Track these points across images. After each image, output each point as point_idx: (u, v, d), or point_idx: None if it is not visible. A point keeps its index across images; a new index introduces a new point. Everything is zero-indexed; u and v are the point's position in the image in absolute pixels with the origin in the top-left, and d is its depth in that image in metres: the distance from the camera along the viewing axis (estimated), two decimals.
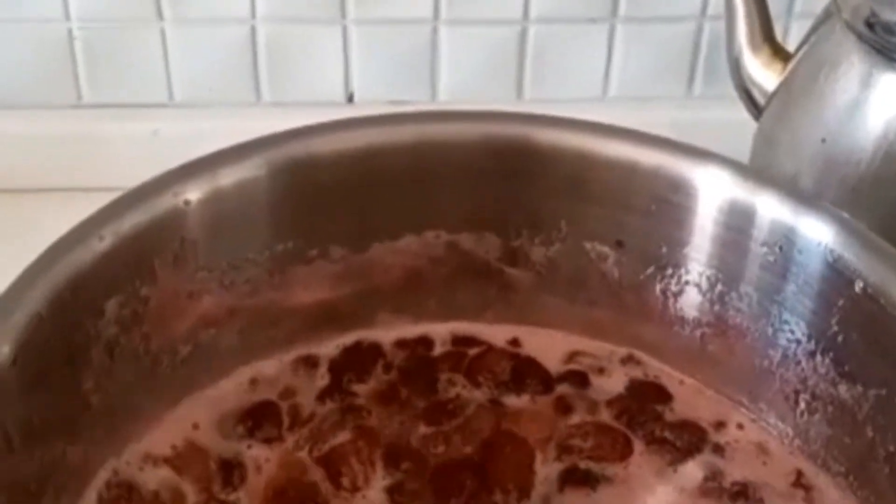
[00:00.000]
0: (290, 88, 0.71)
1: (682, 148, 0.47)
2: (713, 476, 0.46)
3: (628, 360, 0.51)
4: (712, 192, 0.47)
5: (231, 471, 0.46)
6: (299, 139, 0.47)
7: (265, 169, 0.46)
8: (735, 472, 0.47)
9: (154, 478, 0.45)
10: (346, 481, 0.46)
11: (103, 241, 0.42)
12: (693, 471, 0.47)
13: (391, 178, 0.48)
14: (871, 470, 0.44)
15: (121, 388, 0.44)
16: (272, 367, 0.50)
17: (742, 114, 0.61)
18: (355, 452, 0.47)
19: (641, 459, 0.47)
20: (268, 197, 0.47)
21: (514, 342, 0.52)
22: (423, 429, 0.48)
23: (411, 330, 0.52)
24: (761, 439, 0.48)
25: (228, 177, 0.45)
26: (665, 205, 0.47)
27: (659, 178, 0.47)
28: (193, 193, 0.45)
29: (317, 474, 0.46)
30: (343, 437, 0.48)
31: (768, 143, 0.59)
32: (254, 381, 0.50)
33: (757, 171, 0.49)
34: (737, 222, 0.46)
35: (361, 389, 0.50)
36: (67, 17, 0.67)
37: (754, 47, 0.60)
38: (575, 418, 0.49)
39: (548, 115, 0.49)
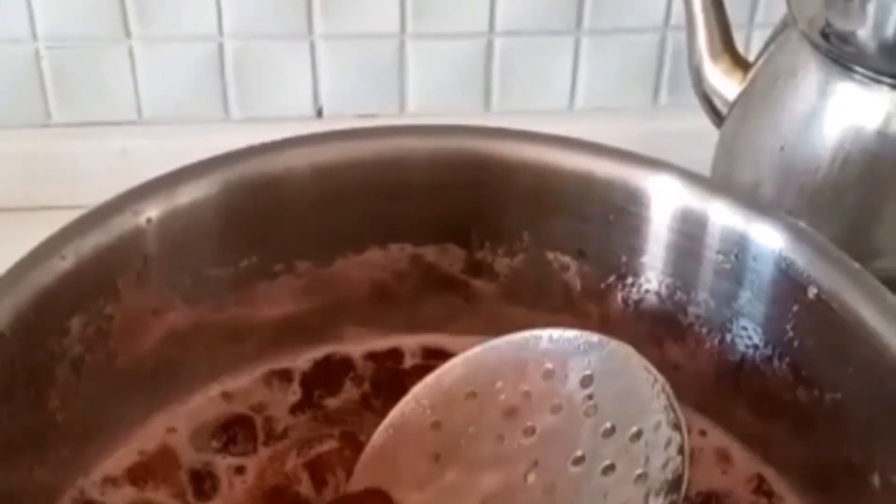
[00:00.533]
0: (259, 104, 0.71)
1: (635, 158, 0.48)
2: None
3: None
4: (666, 200, 0.47)
5: (202, 481, 0.46)
6: (258, 156, 0.47)
7: (225, 186, 0.46)
8: (701, 480, 0.47)
9: (124, 494, 0.46)
10: (330, 487, 0.46)
11: (65, 261, 0.42)
12: None
13: (353, 193, 0.49)
14: (830, 474, 0.44)
15: (88, 405, 0.45)
16: (241, 382, 0.51)
17: (707, 122, 0.62)
18: (340, 460, 0.47)
19: None
20: (229, 213, 0.47)
21: None
22: None
23: (380, 343, 0.52)
24: (723, 445, 0.49)
25: (188, 194, 0.46)
26: (622, 214, 0.48)
27: (614, 189, 0.48)
28: (153, 211, 0.45)
29: (301, 480, 0.47)
30: (325, 445, 0.48)
31: (729, 151, 0.60)
32: (224, 396, 0.50)
33: (708, 179, 0.50)
34: (691, 230, 0.47)
35: (333, 403, 0.50)
36: (34, 37, 0.67)
37: (714, 56, 0.61)
38: None
39: (506, 129, 0.49)
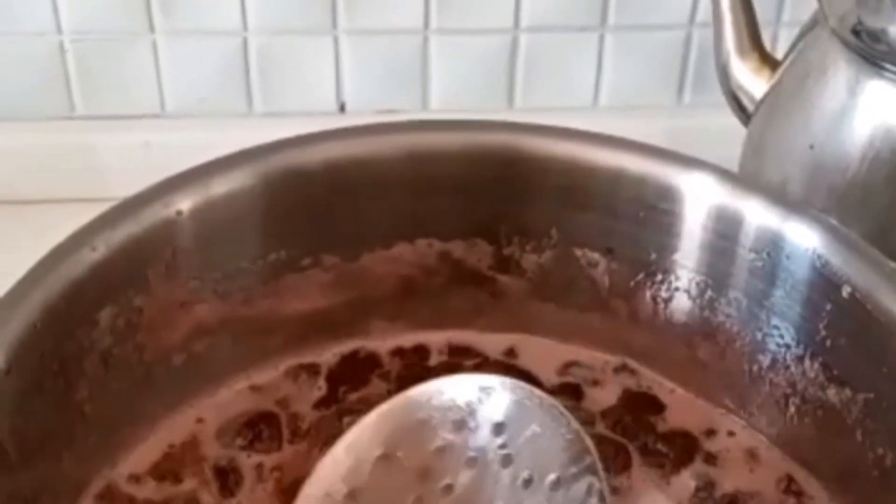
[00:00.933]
0: (282, 99, 0.71)
1: (668, 155, 0.48)
2: (705, 486, 0.47)
3: (621, 369, 0.51)
4: (699, 198, 0.47)
5: (226, 477, 0.46)
6: (289, 149, 0.47)
7: (256, 179, 0.46)
8: (726, 481, 0.47)
9: (149, 487, 0.46)
10: None
11: (96, 252, 0.42)
12: (686, 481, 0.47)
13: (382, 188, 0.49)
14: (861, 474, 0.44)
15: (115, 397, 0.45)
16: (267, 375, 0.50)
17: (732, 120, 0.62)
18: None
19: (640, 472, 0.48)
20: (259, 206, 0.47)
21: (510, 352, 0.52)
22: None
23: (407, 339, 0.52)
24: (752, 445, 0.48)
25: (220, 187, 0.46)
26: (653, 211, 0.48)
27: (646, 186, 0.48)
28: (185, 204, 0.45)
29: None
30: None
31: (757, 149, 0.60)
32: (250, 390, 0.50)
33: (744, 177, 0.49)
34: (724, 228, 0.47)
35: (358, 398, 0.50)
36: (59, 30, 0.67)
37: (742, 54, 0.60)
38: None
39: (536, 124, 0.49)
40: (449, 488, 0.42)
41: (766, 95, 0.59)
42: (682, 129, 0.70)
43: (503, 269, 0.51)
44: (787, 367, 0.47)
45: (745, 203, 0.46)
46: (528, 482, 0.41)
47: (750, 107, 0.60)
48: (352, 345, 0.51)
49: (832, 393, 0.45)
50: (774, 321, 0.46)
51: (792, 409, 0.47)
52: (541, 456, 0.41)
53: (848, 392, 0.44)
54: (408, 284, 0.51)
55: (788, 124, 0.57)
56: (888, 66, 0.53)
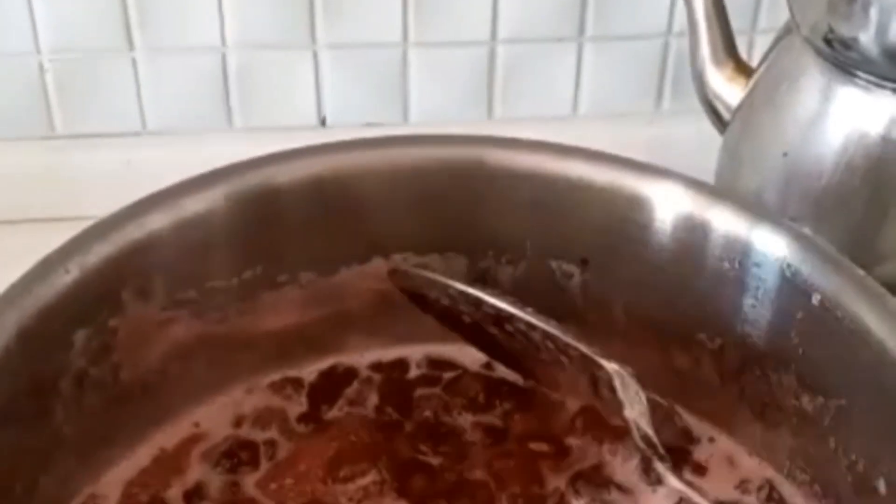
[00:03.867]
0: (263, 114, 0.71)
1: (634, 165, 0.48)
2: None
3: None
4: (667, 207, 0.47)
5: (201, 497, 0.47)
6: (261, 168, 0.47)
7: (229, 198, 0.46)
8: (710, 487, 0.47)
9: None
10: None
11: (69, 274, 0.42)
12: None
13: (355, 203, 0.49)
14: (835, 478, 0.44)
15: (92, 418, 0.45)
16: (246, 393, 0.51)
17: (711, 128, 0.62)
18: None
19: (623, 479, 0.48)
20: (233, 225, 0.47)
21: (488, 365, 0.53)
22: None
23: (385, 353, 0.52)
24: (731, 452, 0.49)
25: (192, 206, 0.46)
26: (623, 222, 0.48)
27: (615, 196, 0.48)
28: (158, 224, 0.45)
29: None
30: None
31: (733, 157, 0.60)
32: (227, 407, 0.50)
33: (711, 186, 0.49)
34: (693, 237, 0.47)
35: (338, 414, 0.50)
36: (38, 49, 0.67)
37: (717, 62, 0.61)
38: None
39: (506, 138, 0.49)
40: None
41: (742, 103, 0.59)
42: (661, 137, 0.70)
43: (479, 282, 0.52)
44: (761, 375, 0.47)
45: (713, 212, 0.46)
46: None
47: (726, 115, 0.61)
48: (329, 360, 0.51)
49: (805, 400, 0.45)
50: (747, 329, 0.47)
51: (767, 416, 0.47)
52: None
53: (821, 399, 0.45)
54: (385, 299, 0.51)
55: (762, 132, 0.57)
56: (860, 73, 0.53)
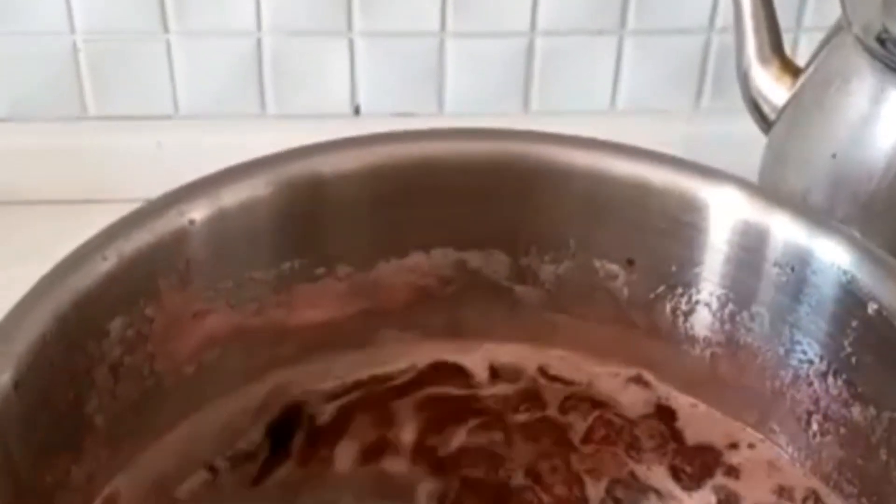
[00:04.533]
0: (296, 101, 0.70)
1: (693, 167, 0.47)
2: (727, 499, 0.46)
3: (637, 381, 0.51)
4: (725, 211, 0.46)
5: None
6: (304, 158, 0.46)
7: (270, 188, 0.45)
8: (749, 495, 0.46)
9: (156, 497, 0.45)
10: None
11: (107, 262, 0.41)
12: (707, 496, 0.46)
13: (397, 197, 0.48)
14: (885, 493, 0.43)
15: (125, 408, 0.44)
16: (280, 385, 0.50)
17: (750, 127, 0.61)
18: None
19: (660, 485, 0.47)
20: (273, 216, 0.46)
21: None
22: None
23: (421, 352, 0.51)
24: (773, 458, 0.48)
25: (233, 196, 0.45)
26: (676, 224, 0.47)
27: (670, 198, 0.47)
28: (198, 213, 0.44)
29: None
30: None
31: (778, 158, 0.59)
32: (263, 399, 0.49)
33: (770, 190, 0.48)
34: (749, 242, 0.46)
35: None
36: (72, 29, 0.67)
37: (763, 61, 0.60)
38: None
39: (556, 134, 0.48)
40: None
41: (788, 103, 0.58)
42: (699, 135, 0.69)
43: (520, 279, 0.51)
44: (811, 384, 0.46)
45: (772, 217, 0.45)
46: None
47: (771, 114, 0.60)
48: (364, 355, 0.50)
49: (856, 411, 0.44)
50: (798, 337, 0.46)
51: (815, 426, 0.46)
52: None
53: (872, 410, 0.43)
54: (423, 294, 0.50)
55: (810, 133, 0.56)
56: None
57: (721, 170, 0.46)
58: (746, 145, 0.61)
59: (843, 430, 0.45)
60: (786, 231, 0.45)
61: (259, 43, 0.68)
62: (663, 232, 0.47)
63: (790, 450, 0.47)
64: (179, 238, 0.44)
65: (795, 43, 0.69)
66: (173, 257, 0.44)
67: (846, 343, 0.44)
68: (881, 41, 0.53)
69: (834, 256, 0.44)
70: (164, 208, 0.44)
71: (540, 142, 0.48)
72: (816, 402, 0.46)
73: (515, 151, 0.48)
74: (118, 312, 0.43)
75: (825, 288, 0.44)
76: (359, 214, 0.48)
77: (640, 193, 0.47)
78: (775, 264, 0.45)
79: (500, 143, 0.48)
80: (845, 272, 0.43)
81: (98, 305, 0.42)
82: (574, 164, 0.48)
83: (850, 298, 0.43)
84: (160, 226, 0.43)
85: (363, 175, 0.47)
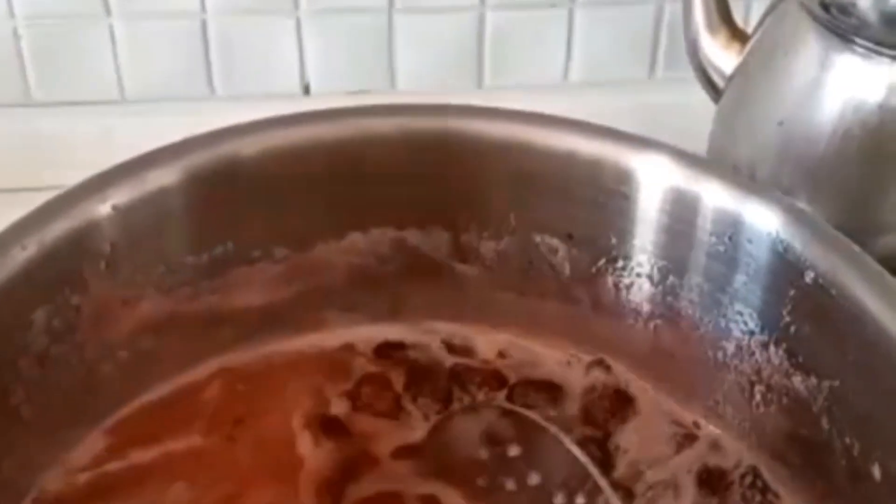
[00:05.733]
0: (245, 82, 0.69)
1: (622, 136, 0.46)
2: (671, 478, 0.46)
3: (586, 361, 0.50)
4: (654, 180, 0.46)
5: None
6: (226, 139, 0.45)
7: (192, 170, 0.45)
8: (694, 469, 0.46)
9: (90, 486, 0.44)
10: None
11: (27, 250, 0.41)
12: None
13: (330, 176, 0.47)
14: (828, 463, 0.43)
15: (55, 398, 0.43)
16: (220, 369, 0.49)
17: (705, 96, 0.60)
18: None
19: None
20: (198, 199, 0.45)
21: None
22: None
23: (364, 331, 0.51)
24: (718, 434, 0.47)
25: (156, 180, 0.44)
26: (609, 195, 0.46)
27: (602, 168, 0.46)
28: (121, 198, 0.43)
29: None
30: None
31: (726, 126, 0.58)
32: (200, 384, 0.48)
33: (701, 158, 0.48)
34: (682, 211, 0.45)
35: None
36: (11, 14, 0.66)
37: (712, 29, 0.59)
38: None
39: (488, 107, 0.48)
40: None
41: (736, 71, 0.58)
42: (654, 105, 0.69)
43: (461, 257, 0.50)
44: (752, 354, 0.45)
45: (703, 185, 0.45)
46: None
47: (720, 83, 0.59)
48: (305, 338, 0.50)
49: (797, 380, 0.44)
50: (738, 307, 0.45)
51: (757, 396, 0.46)
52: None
53: (813, 380, 0.43)
54: (363, 274, 0.50)
55: (757, 101, 0.56)
56: (858, 39, 0.52)
57: (650, 138, 0.46)
58: (701, 115, 0.60)
59: (785, 401, 0.45)
60: (716, 199, 0.44)
61: (204, 24, 0.67)
62: (598, 204, 0.47)
63: (734, 422, 0.47)
64: (102, 224, 0.43)
65: (748, 11, 0.68)
66: (97, 244, 0.43)
67: (785, 312, 0.43)
68: (825, 7, 0.52)
69: (768, 223, 0.43)
70: (85, 194, 0.43)
71: (470, 116, 0.47)
72: (759, 372, 0.45)
73: (447, 127, 0.47)
74: (41, 302, 0.42)
75: (761, 257, 0.43)
76: (290, 196, 0.47)
77: (571, 165, 0.46)
78: (711, 234, 0.45)
79: (430, 119, 0.48)
80: (781, 241, 0.43)
81: (18, 295, 0.41)
82: (504, 137, 0.47)
83: (787, 267, 0.43)
84: (82, 212, 0.43)
85: (290, 155, 0.46)
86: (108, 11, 0.66)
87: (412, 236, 0.49)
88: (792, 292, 0.43)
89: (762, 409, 0.46)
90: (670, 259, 0.46)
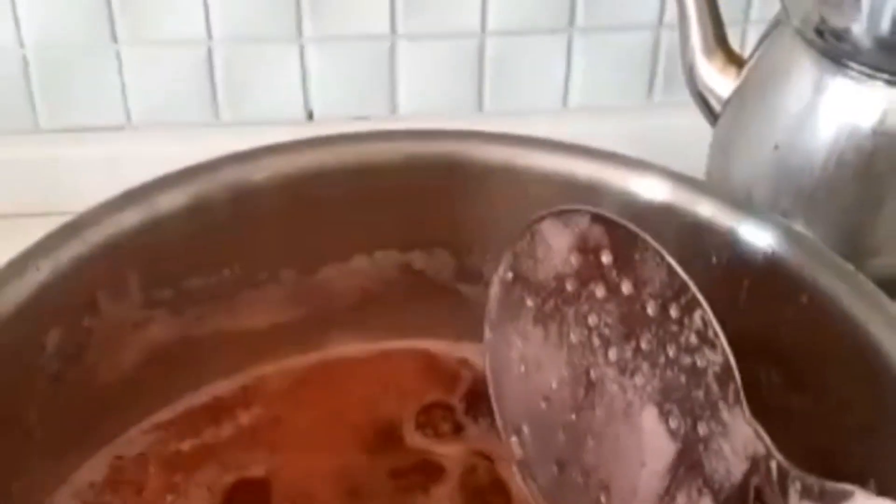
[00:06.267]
0: (250, 108, 0.70)
1: (621, 160, 0.47)
2: None
3: None
4: (652, 202, 0.46)
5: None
6: (236, 164, 0.46)
7: (202, 195, 0.46)
8: None
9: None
10: None
11: (40, 273, 0.41)
12: None
13: (337, 200, 0.48)
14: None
15: (67, 420, 0.44)
16: (226, 392, 0.50)
17: (703, 121, 0.61)
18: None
19: None
20: (207, 222, 0.46)
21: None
22: None
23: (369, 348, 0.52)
24: None
25: (167, 203, 0.45)
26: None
27: (601, 191, 0.47)
28: (132, 221, 0.44)
29: None
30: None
31: (723, 149, 0.59)
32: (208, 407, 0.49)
33: (696, 180, 0.48)
34: (679, 233, 0.46)
35: None
36: (21, 43, 0.67)
37: (708, 53, 0.60)
38: None
39: (488, 132, 0.49)
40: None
41: (733, 95, 0.59)
42: (652, 130, 0.69)
43: (465, 278, 0.51)
44: (749, 372, 0.45)
45: (699, 206, 0.45)
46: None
47: (717, 107, 0.60)
48: (312, 358, 0.51)
49: (794, 399, 0.44)
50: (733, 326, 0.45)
51: (753, 414, 0.46)
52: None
53: (810, 398, 0.44)
54: (368, 297, 0.50)
55: (753, 125, 0.57)
56: (852, 64, 0.52)
57: (646, 161, 0.46)
58: (699, 139, 0.61)
59: (781, 419, 0.45)
60: (712, 219, 0.45)
61: (210, 51, 0.68)
62: None
63: None
64: (115, 248, 0.44)
65: (744, 36, 0.69)
66: (109, 267, 0.44)
67: (781, 331, 0.44)
68: (819, 32, 0.53)
69: (763, 244, 0.44)
70: (98, 218, 0.44)
71: (472, 141, 0.48)
72: (755, 391, 0.45)
73: (450, 151, 0.48)
74: (55, 324, 0.43)
75: (756, 277, 0.44)
76: (296, 219, 0.48)
77: (569, 188, 0.47)
78: (705, 253, 0.45)
79: (434, 144, 0.49)
80: (776, 261, 0.43)
81: (32, 318, 0.42)
82: (506, 162, 0.48)
83: (783, 286, 0.43)
84: (95, 236, 0.43)
85: (296, 180, 0.47)
86: (115, 38, 0.67)
87: (417, 259, 0.50)
88: (788, 311, 0.44)
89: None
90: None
